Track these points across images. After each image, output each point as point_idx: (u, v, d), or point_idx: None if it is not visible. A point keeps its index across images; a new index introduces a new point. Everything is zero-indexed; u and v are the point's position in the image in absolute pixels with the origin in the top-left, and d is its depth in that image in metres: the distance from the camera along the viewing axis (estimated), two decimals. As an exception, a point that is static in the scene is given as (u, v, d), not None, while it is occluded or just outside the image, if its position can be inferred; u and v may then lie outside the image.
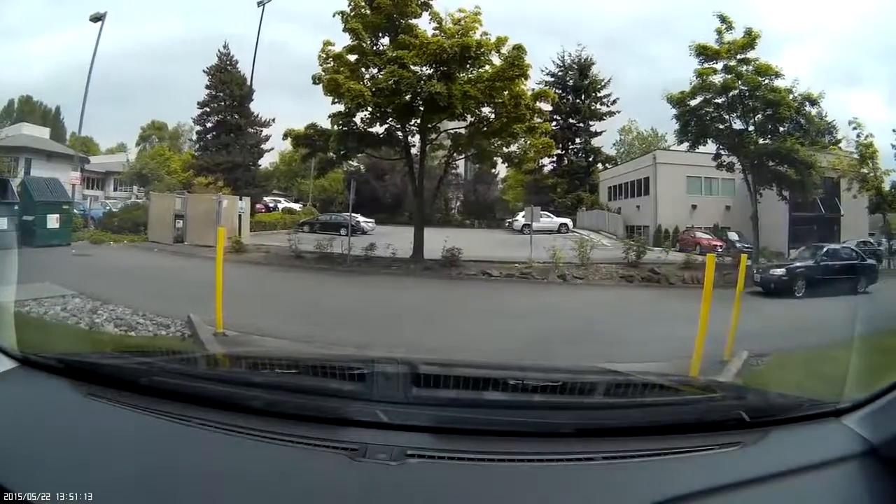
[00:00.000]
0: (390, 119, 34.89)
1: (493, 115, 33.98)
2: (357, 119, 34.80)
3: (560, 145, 57.94)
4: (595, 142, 64.16)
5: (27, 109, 73.95)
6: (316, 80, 33.30)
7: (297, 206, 61.06)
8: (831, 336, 11.96)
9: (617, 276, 31.83)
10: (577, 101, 62.09)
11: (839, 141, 42.74)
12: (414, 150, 37.12)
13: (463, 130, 36.22)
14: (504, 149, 36.29)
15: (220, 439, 2.98)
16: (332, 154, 36.66)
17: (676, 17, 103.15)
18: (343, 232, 38.66)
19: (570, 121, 61.82)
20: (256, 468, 2.70)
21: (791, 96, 36.52)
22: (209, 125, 57.16)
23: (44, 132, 60.02)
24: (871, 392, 3.22)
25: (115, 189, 68.33)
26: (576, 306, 24.52)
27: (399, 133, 36.19)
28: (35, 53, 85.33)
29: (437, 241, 32.90)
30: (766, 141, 37.51)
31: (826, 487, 2.76)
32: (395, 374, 3.93)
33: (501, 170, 63.96)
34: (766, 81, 36.55)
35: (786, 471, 2.73)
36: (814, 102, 37.10)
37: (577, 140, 62.95)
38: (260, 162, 60.12)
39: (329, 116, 34.80)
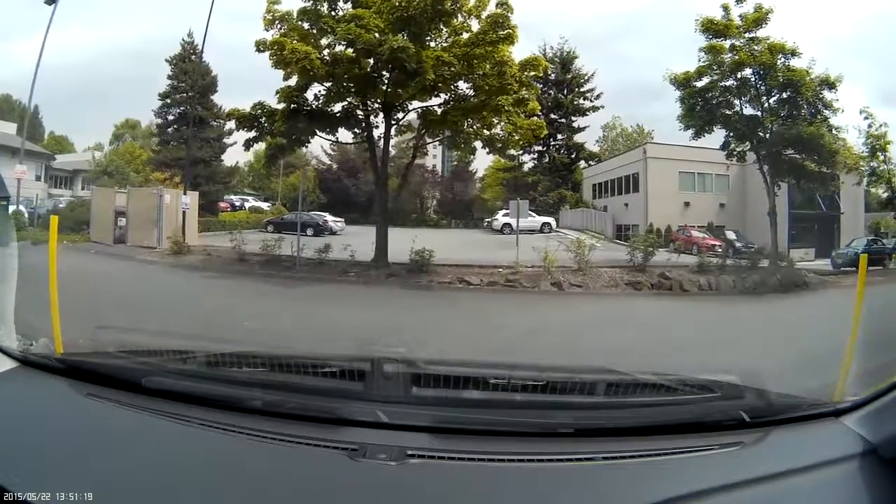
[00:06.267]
0: (349, 96, 28.26)
1: (472, 91, 27.54)
2: (310, 96, 28.31)
3: (542, 141, 52.16)
4: (578, 138, 59.38)
5: (6, 108, 68.55)
6: (259, 46, 26.58)
7: (265, 205, 56.27)
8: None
9: (622, 283, 25.73)
10: (560, 95, 56.88)
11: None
12: (378, 133, 29.66)
13: (437, 109, 28.85)
14: (486, 131, 28.83)
15: (220, 439, 2.87)
16: (280, 139, 29.61)
17: (655, 15, 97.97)
18: (310, 232, 35.46)
19: (552, 116, 55.11)
20: (256, 468, 2.61)
21: (808, 78, 31.25)
22: (170, 118, 52.12)
23: (10, 128, 54.14)
24: (871, 392, 3.05)
25: (82, 188, 61.99)
26: (584, 325, 18.21)
27: (359, 112, 28.92)
28: (15, 53, 78.83)
29: (406, 242, 26.71)
30: (783, 126, 31.60)
31: (826, 487, 2.62)
32: (395, 373, 3.42)
33: (480, 167, 61.77)
34: (782, 61, 31.49)
35: (786, 471, 2.62)
36: (832, 86, 31.25)
37: (560, 136, 57.75)
38: (223, 157, 53.82)
39: (276, 92, 28.15)
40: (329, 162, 58.84)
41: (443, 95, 27.98)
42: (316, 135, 29.74)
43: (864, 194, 42.67)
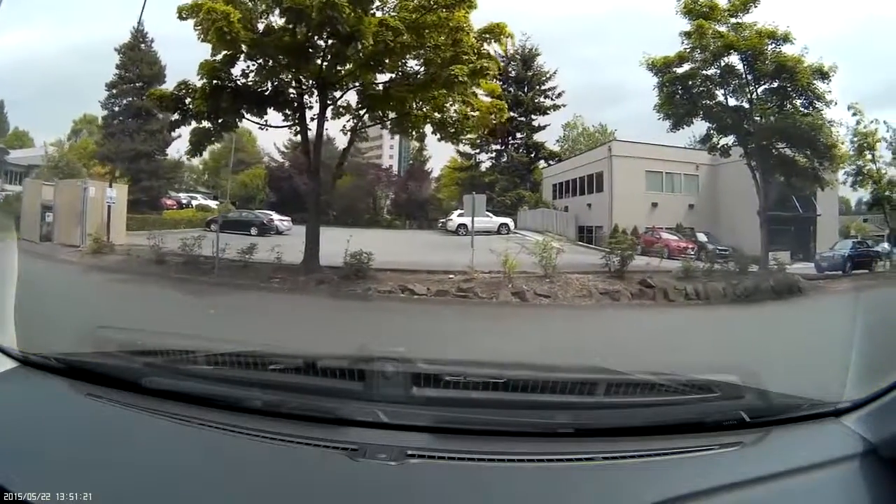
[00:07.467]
0: (282, 71, 23.52)
1: (422, 67, 22.85)
2: (238, 72, 23.59)
3: (500, 140, 50.98)
4: (538, 137, 55.59)
5: (-27, 104, 66.56)
6: (182, 13, 21.56)
7: (213, 203, 51.61)
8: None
9: (597, 292, 21.40)
10: (520, 93, 52.98)
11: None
12: (312, 114, 24.67)
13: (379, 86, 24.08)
14: (437, 114, 23.77)
15: (219, 439, 2.76)
16: (205, 122, 24.29)
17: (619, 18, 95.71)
18: (254, 231, 33.52)
19: (512, 114, 48.74)
20: (256, 468, 2.53)
21: (803, 65, 27.93)
22: (116, 109, 47.48)
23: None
24: (871, 392, 2.94)
25: (36, 184, 55.56)
26: (557, 347, 13.36)
27: (292, 90, 24.15)
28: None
29: (350, 243, 22.42)
30: (777, 117, 28.36)
31: (826, 487, 2.52)
32: (395, 373, 3.19)
33: (436, 166, 59.57)
34: (773, 46, 28.10)
35: (786, 471, 2.51)
36: (825, 76, 27.77)
37: (519, 135, 54.34)
38: (174, 152, 48.49)
39: (199, 67, 23.27)
40: (282, 160, 55.59)
41: (389, 74, 23.48)
42: (243, 117, 24.71)
43: (837, 196, 41.09)
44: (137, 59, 45.73)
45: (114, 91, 46.67)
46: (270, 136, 79.29)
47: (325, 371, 3.36)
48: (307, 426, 2.76)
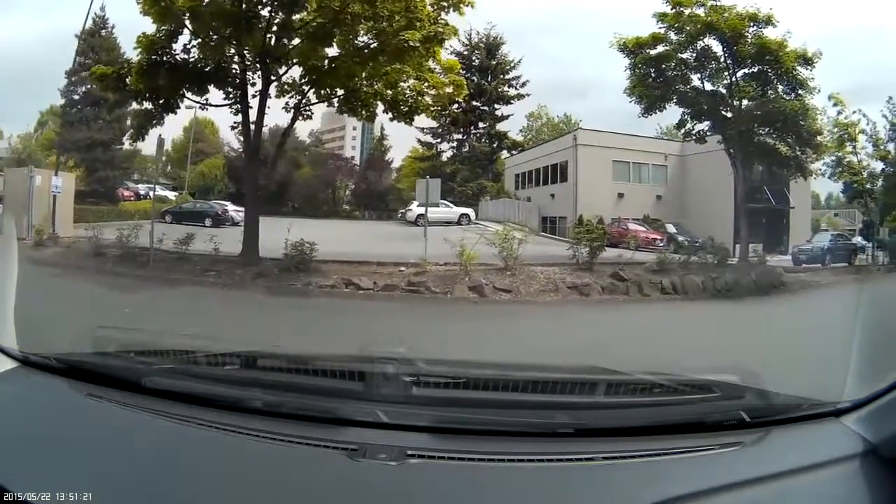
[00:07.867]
0: (225, 45, 21.04)
1: (373, 41, 20.26)
2: (180, 48, 21.24)
3: (462, 130, 51.57)
4: (501, 126, 54.20)
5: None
6: None
7: (171, 195, 50.74)
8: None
9: (564, 286, 19.15)
10: (483, 82, 51.57)
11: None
12: (255, 91, 22.05)
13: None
14: (389, 91, 21.56)
15: (219, 439, 2.67)
16: (145, 102, 22.13)
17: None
18: (209, 222, 32.60)
19: (474, 103, 50.15)
20: (256, 468, 2.43)
21: (787, 49, 26.87)
22: (76, 97, 45.07)
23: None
24: (871, 392, 2.82)
25: (-2, 176, 53.34)
26: (518, 352, 10.66)
27: (235, 65, 21.79)
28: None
29: (297, 234, 20.27)
30: (759, 102, 27.28)
31: (826, 487, 2.43)
32: (395, 373, 3.10)
33: (397, 156, 57.94)
34: (754, 29, 26.74)
35: (786, 471, 2.41)
36: (809, 62, 26.68)
37: (481, 124, 53.02)
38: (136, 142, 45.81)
39: (136, 42, 21.03)
40: (241, 149, 52.02)
41: (339, 50, 21.00)
42: (184, 96, 22.13)
43: (810, 190, 40.03)
44: (97, 45, 43.29)
45: (73, 79, 43.85)
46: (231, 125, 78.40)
47: (324, 371, 3.17)
48: (307, 426, 2.61)
